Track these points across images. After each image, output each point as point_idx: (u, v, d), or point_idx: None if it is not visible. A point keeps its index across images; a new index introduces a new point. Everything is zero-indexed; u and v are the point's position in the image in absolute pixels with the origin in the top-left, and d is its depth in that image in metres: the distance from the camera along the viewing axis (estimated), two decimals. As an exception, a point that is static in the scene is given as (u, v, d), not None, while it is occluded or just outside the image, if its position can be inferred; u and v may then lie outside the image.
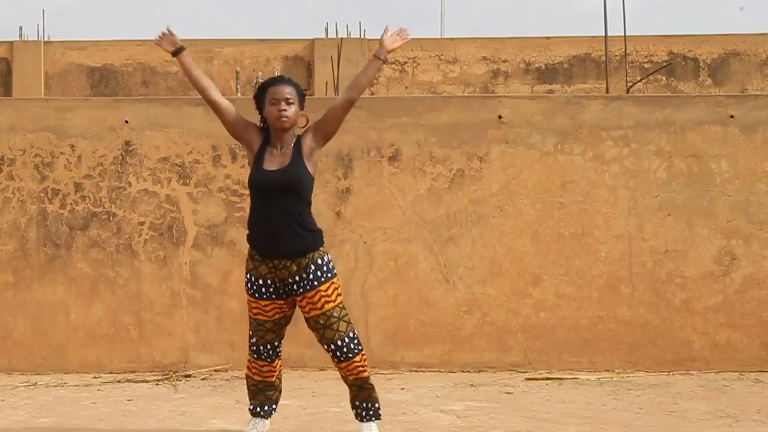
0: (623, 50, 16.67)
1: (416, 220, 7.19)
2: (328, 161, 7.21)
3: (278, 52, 21.55)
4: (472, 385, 6.72)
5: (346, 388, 6.57)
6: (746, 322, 7.11)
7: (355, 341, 5.16)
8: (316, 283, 5.09)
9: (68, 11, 67.09)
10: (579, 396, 6.38)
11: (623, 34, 14.49)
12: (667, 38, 21.29)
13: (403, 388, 6.60)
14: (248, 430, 5.36)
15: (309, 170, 5.13)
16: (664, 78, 20.86)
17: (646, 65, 20.72)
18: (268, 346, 5.29)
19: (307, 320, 5.19)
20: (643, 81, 19.22)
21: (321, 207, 7.18)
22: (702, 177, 7.15)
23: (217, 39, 21.77)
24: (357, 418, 5.31)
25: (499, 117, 7.20)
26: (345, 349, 5.13)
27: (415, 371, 7.11)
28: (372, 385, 5.26)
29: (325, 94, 18.74)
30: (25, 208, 7.23)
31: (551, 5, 68.34)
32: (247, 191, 7.15)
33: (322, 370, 7.12)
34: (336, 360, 5.17)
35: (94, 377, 7.04)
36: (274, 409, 5.45)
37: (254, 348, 5.30)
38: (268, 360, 5.31)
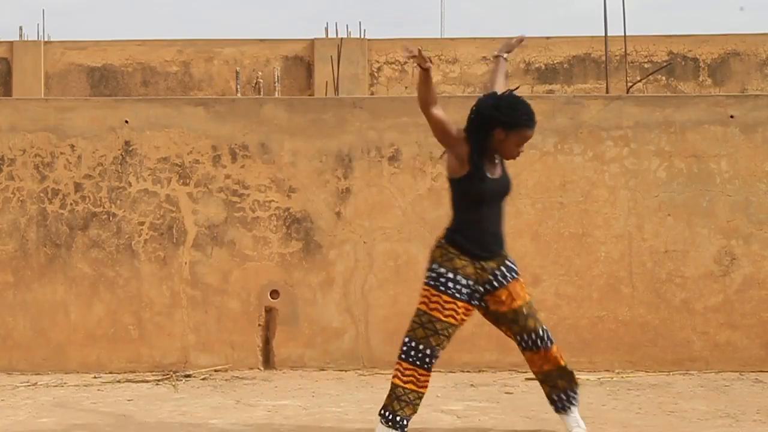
0: (623, 50, 16.69)
1: (416, 220, 7.19)
2: (328, 161, 7.21)
3: (278, 52, 21.55)
4: (472, 385, 6.73)
5: (345, 388, 6.60)
6: (746, 322, 7.12)
7: (550, 332, 5.22)
8: (515, 273, 5.16)
9: (68, 11, 67.12)
10: (579, 396, 6.37)
11: (623, 34, 14.50)
12: (667, 38, 21.31)
13: (403, 388, 6.59)
14: None
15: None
16: (664, 78, 20.88)
17: (646, 65, 20.74)
18: (437, 356, 5.04)
19: (504, 314, 5.13)
20: (643, 81, 19.25)
21: (321, 207, 7.18)
22: (702, 177, 7.15)
23: (217, 39, 21.79)
24: (558, 411, 5.30)
25: (499, 117, 7.19)
26: (545, 337, 5.17)
27: (415, 371, 7.10)
28: (572, 370, 5.28)
29: (326, 94, 18.75)
30: (25, 208, 7.23)
31: (551, 5, 68.37)
32: (248, 191, 7.20)
33: (322, 370, 7.12)
34: (535, 349, 5.16)
35: (94, 377, 7.04)
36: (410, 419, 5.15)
37: (423, 355, 5.01)
38: (430, 370, 5.06)
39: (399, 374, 5.06)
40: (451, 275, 5.05)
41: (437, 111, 5.12)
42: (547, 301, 7.14)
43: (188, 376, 7.00)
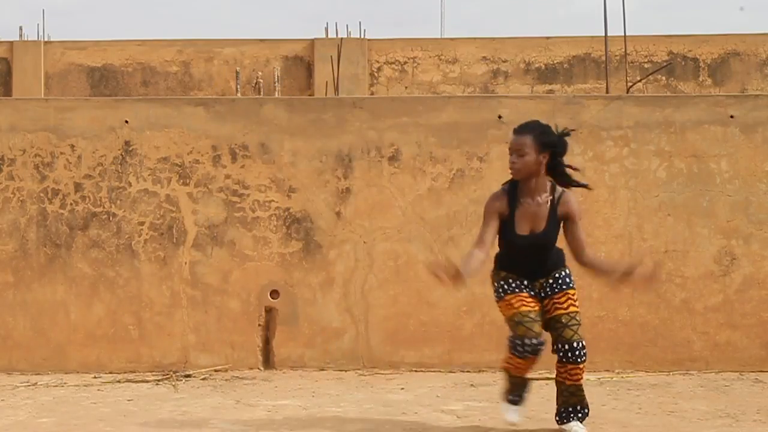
0: (623, 50, 16.68)
1: (416, 220, 7.19)
2: (328, 161, 7.21)
3: (278, 52, 21.55)
4: (472, 385, 6.72)
5: (346, 388, 6.60)
6: (746, 322, 7.11)
7: (585, 350, 5.28)
8: (564, 287, 5.31)
9: (68, 11, 67.11)
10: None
11: (623, 34, 14.50)
12: (667, 38, 21.31)
13: (403, 388, 6.60)
14: (510, 417, 5.49)
15: (558, 228, 5.32)
16: (664, 78, 20.87)
17: (646, 65, 20.73)
18: (534, 340, 5.18)
19: (548, 321, 5.29)
20: (643, 81, 19.25)
21: (321, 207, 7.18)
22: (702, 177, 7.15)
23: (217, 39, 21.79)
24: (559, 422, 5.42)
25: (499, 117, 7.20)
26: (577, 352, 5.24)
27: (415, 371, 7.11)
28: (584, 392, 5.38)
29: (326, 94, 18.75)
30: (25, 208, 7.23)
31: (551, 5, 68.35)
32: (248, 191, 7.21)
33: (322, 370, 7.12)
34: (564, 360, 5.26)
35: (94, 377, 7.04)
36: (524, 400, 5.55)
37: (518, 343, 5.21)
38: (531, 355, 5.21)
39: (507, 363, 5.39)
40: (502, 282, 5.38)
41: (485, 249, 5.33)
42: (547, 301, 7.13)
43: (188, 376, 7.00)
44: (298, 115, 7.24)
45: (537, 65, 21.32)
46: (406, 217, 7.20)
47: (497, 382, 6.78)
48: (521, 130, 5.33)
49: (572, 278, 5.37)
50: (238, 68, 19.61)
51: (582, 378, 5.34)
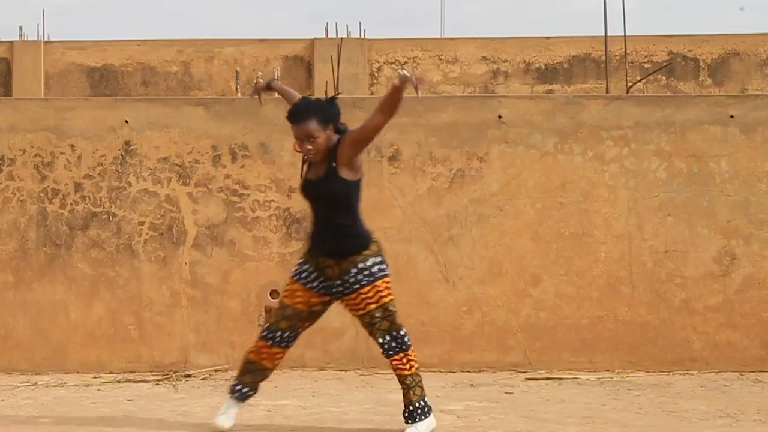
0: (623, 50, 16.68)
1: (416, 220, 7.18)
2: (328, 161, 7.20)
3: (278, 52, 21.55)
4: (472, 385, 6.72)
5: (346, 388, 6.62)
6: (746, 322, 7.11)
7: (393, 342, 5.31)
8: (356, 286, 5.30)
9: (68, 11, 67.08)
10: (579, 396, 6.38)
11: (623, 34, 14.48)
12: (667, 38, 21.31)
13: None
14: (221, 413, 5.50)
15: (346, 178, 5.35)
16: (664, 78, 20.88)
17: (646, 65, 20.74)
18: (278, 333, 5.40)
19: (357, 319, 5.41)
20: (643, 81, 19.24)
21: (321, 207, 7.18)
22: (702, 177, 7.15)
23: (217, 39, 21.79)
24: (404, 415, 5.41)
25: (499, 117, 7.20)
26: (386, 346, 5.32)
27: (415, 371, 7.10)
28: (407, 385, 5.32)
29: (326, 94, 18.74)
30: (25, 208, 7.23)
31: (551, 5, 68.32)
32: (248, 191, 7.21)
33: (322, 370, 7.12)
34: (383, 354, 5.36)
35: (94, 377, 7.04)
36: (251, 395, 5.55)
37: (265, 330, 5.45)
38: (271, 342, 5.42)
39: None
40: (300, 260, 5.50)
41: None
42: (547, 301, 7.14)
43: (188, 376, 7.00)
44: (298, 115, 7.23)
45: (537, 65, 21.32)
46: (406, 217, 7.20)
47: (497, 381, 6.79)
48: (301, 116, 5.38)
49: (371, 272, 5.29)
50: (238, 68, 19.59)
51: (406, 369, 5.29)
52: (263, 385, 5.58)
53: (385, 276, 5.36)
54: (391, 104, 5.22)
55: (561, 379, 6.87)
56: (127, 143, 7.24)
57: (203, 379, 6.95)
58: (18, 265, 7.22)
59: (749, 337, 7.12)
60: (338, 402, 6.19)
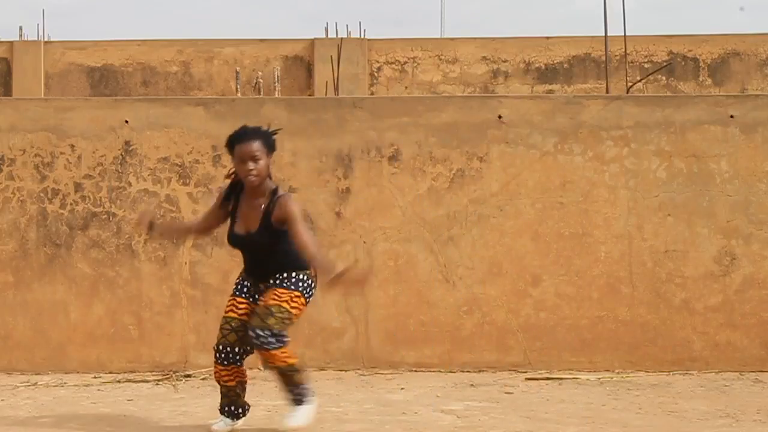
0: (623, 50, 16.68)
1: (416, 220, 7.19)
2: (328, 161, 7.21)
3: (278, 52, 21.54)
4: (472, 385, 6.72)
5: (345, 388, 6.62)
6: (746, 322, 7.11)
7: (269, 338, 5.25)
8: (276, 283, 5.36)
9: (68, 11, 67.09)
10: (579, 396, 6.38)
11: (623, 34, 14.49)
12: (667, 38, 21.30)
13: (403, 388, 6.60)
14: (214, 427, 5.54)
15: (279, 230, 5.31)
16: (664, 78, 20.87)
17: (646, 65, 20.73)
18: (228, 349, 5.45)
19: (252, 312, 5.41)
20: (643, 81, 19.24)
21: (321, 207, 7.18)
22: (702, 177, 7.15)
23: (217, 39, 21.78)
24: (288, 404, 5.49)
25: (499, 117, 7.21)
26: (261, 339, 5.26)
27: (415, 371, 7.11)
28: (292, 377, 5.36)
29: (325, 94, 18.75)
30: (25, 208, 7.23)
31: (551, 5, 68.32)
32: (247, 191, 7.20)
33: (322, 370, 7.12)
34: (254, 346, 5.35)
35: (94, 377, 7.04)
36: (240, 414, 5.60)
37: (214, 348, 5.53)
38: (224, 363, 5.48)
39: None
40: (238, 278, 5.62)
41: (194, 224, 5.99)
42: (547, 301, 7.14)
43: (188, 376, 7.00)
44: (298, 115, 7.25)
45: (537, 65, 21.32)
46: (406, 217, 7.20)
47: (497, 381, 6.80)
48: (247, 136, 5.35)
49: (297, 282, 5.35)
50: (238, 68, 19.60)
51: (275, 362, 5.30)
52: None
53: (305, 296, 5.38)
54: (316, 263, 5.28)
55: (561, 379, 6.87)
56: (127, 143, 7.24)
57: (203, 379, 6.95)
58: (18, 265, 7.22)
59: (749, 337, 7.12)
60: (338, 402, 6.19)
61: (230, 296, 5.53)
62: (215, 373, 5.54)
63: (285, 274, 5.37)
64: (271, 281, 5.39)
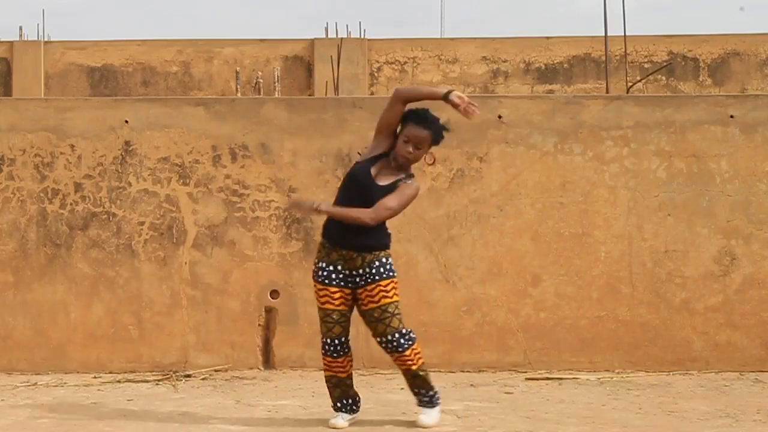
0: (623, 50, 16.68)
1: (416, 220, 7.18)
2: (328, 161, 7.21)
3: (278, 52, 21.54)
4: (472, 385, 6.73)
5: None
6: (746, 322, 7.12)
7: (403, 338, 5.49)
8: (377, 277, 5.49)
9: (68, 11, 67.06)
10: (579, 396, 6.38)
11: (623, 34, 14.49)
12: (667, 38, 21.29)
13: (403, 388, 6.57)
14: (332, 421, 5.63)
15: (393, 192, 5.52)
16: (664, 78, 20.86)
17: (646, 65, 20.72)
18: (336, 341, 5.55)
19: (362, 314, 5.57)
20: (643, 81, 19.23)
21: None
22: (702, 177, 7.15)
23: (217, 39, 21.77)
24: (417, 404, 5.68)
25: (499, 117, 7.21)
26: (395, 343, 5.49)
27: (415, 371, 7.10)
28: (423, 373, 5.59)
29: (326, 94, 18.75)
30: (25, 208, 7.23)
31: (551, 5, 68.29)
32: (248, 191, 7.20)
33: (322, 370, 7.10)
34: (387, 351, 5.55)
35: (94, 377, 7.04)
36: (353, 406, 5.71)
37: (322, 342, 5.60)
38: (334, 355, 5.57)
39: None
40: (317, 263, 5.63)
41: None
42: (547, 301, 7.14)
43: (188, 376, 7.00)
44: (298, 115, 7.25)
45: (537, 65, 21.31)
46: (406, 217, 7.19)
47: (497, 381, 6.80)
48: (425, 123, 5.53)
49: (390, 267, 5.52)
50: (238, 68, 19.59)
51: (413, 364, 5.53)
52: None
53: (397, 276, 5.58)
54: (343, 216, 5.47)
55: (561, 379, 6.87)
56: (127, 143, 7.24)
57: (203, 379, 6.95)
58: (18, 265, 7.22)
59: (749, 337, 7.12)
60: (338, 402, 6.18)
61: (319, 285, 5.55)
62: (325, 365, 5.62)
63: (377, 262, 5.46)
64: (367, 269, 5.46)
